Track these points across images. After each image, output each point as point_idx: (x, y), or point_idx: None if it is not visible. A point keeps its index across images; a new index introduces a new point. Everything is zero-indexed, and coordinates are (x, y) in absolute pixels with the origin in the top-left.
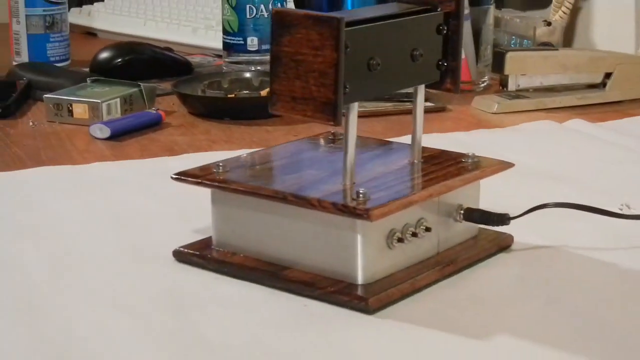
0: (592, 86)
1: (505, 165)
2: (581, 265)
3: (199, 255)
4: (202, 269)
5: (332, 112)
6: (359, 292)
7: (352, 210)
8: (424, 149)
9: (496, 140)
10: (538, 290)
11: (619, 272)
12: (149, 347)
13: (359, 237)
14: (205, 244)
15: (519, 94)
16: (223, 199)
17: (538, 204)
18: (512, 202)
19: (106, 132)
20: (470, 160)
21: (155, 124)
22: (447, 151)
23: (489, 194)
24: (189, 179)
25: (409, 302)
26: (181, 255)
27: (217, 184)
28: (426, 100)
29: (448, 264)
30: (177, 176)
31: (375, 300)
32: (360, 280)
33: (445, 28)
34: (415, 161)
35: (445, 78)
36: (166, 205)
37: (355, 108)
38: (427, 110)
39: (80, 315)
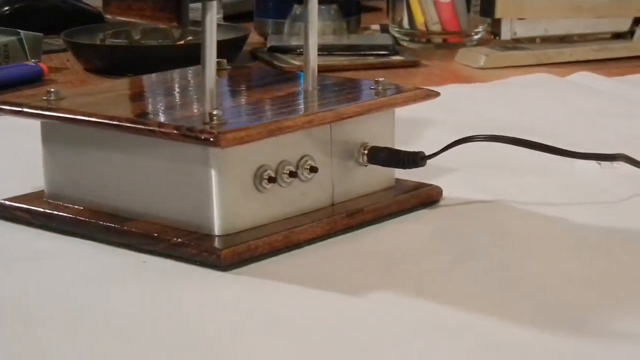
0: (616, 35)
1: (425, 93)
2: (522, 221)
3: (24, 208)
4: (28, 226)
5: (176, 10)
6: (214, 244)
7: (199, 134)
8: (327, 77)
9: (472, 95)
10: (452, 248)
11: (568, 230)
12: None
13: (213, 173)
14: (37, 196)
15: (516, 45)
16: (54, 134)
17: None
18: (457, 157)
19: None
20: (380, 87)
21: (34, 80)
22: (355, 79)
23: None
24: (6, 107)
25: (281, 259)
26: (2, 209)
27: (39, 111)
28: (397, 53)
29: (344, 216)
30: None
31: (230, 252)
32: (217, 230)
33: None
34: (310, 88)
35: None
36: (7, 159)
37: (213, 8)
38: (394, 65)
39: None
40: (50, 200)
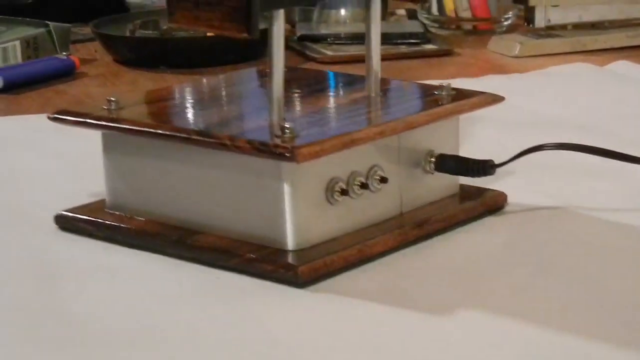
0: None
1: (492, 99)
2: (589, 230)
3: (86, 220)
4: (91, 238)
5: (245, 20)
6: (288, 259)
7: (273, 149)
8: (386, 80)
9: (512, 87)
10: (527, 260)
11: (636, 238)
12: (8, 323)
13: (286, 187)
14: (98, 206)
15: (550, 32)
16: (116, 145)
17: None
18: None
19: None
20: (445, 93)
21: (66, 74)
22: (416, 83)
23: (483, 146)
24: (69, 117)
25: (356, 274)
26: (65, 221)
27: (103, 122)
28: (428, 41)
29: (414, 226)
30: (54, 115)
31: (307, 269)
32: (290, 245)
33: None
34: (372, 94)
35: None
36: (59, 164)
37: (280, 18)
38: (427, 54)
39: None
40: (112, 211)
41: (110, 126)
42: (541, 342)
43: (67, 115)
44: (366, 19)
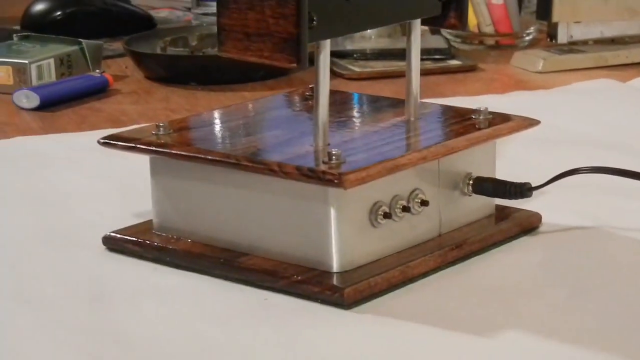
0: None
1: (528, 123)
2: (624, 250)
3: (134, 241)
4: (139, 259)
5: (295, 51)
6: (334, 281)
7: (322, 175)
8: (425, 104)
9: (538, 104)
10: (564, 280)
11: None
12: (62, 345)
13: (332, 212)
14: (145, 228)
15: (572, 47)
16: (164, 168)
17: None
18: (546, 175)
19: (34, 100)
20: (481, 117)
21: (99, 91)
22: (453, 107)
23: (516, 166)
24: (120, 142)
25: (399, 295)
26: (113, 242)
27: (154, 147)
28: (453, 57)
29: (452, 248)
30: (105, 140)
31: (352, 291)
32: (335, 267)
33: None
34: (412, 118)
35: (448, 12)
36: (103, 184)
37: (327, 47)
38: (452, 70)
39: None
40: (159, 233)
41: (160, 151)
42: None
43: (117, 141)
44: (407, 45)
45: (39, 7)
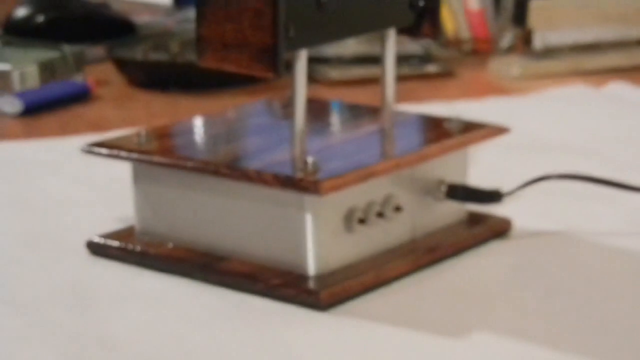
0: None
1: (498, 131)
2: (592, 255)
3: (117, 247)
4: (122, 263)
5: (272, 61)
6: (310, 284)
7: (298, 182)
8: (399, 113)
9: (512, 110)
10: (534, 282)
11: (636, 261)
12: (44, 348)
13: (308, 217)
14: (127, 233)
15: (548, 53)
16: (145, 175)
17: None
18: (517, 181)
19: (18, 105)
20: (454, 125)
21: (81, 96)
22: (427, 115)
23: (488, 172)
24: (102, 150)
25: (373, 297)
26: (96, 247)
27: (135, 155)
28: (428, 62)
29: (425, 252)
30: (88, 148)
31: (328, 293)
32: (311, 270)
33: None
34: (387, 127)
35: (422, 21)
36: (85, 190)
37: (303, 57)
38: (428, 76)
39: None
40: (142, 238)
41: (142, 159)
42: None
43: (101, 148)
44: (382, 54)
45: (21, 12)
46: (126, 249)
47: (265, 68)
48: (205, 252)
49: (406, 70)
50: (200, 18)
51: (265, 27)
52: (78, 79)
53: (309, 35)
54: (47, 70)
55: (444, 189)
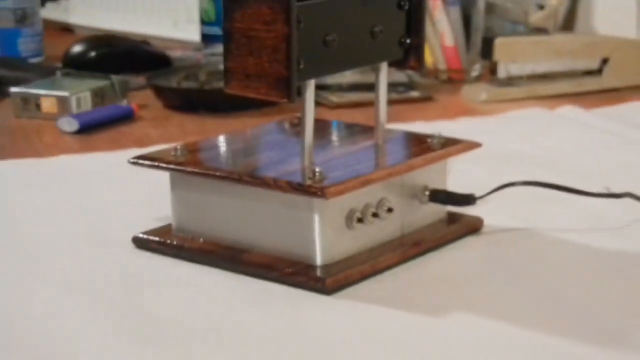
0: (588, 73)
1: (472, 145)
2: (553, 246)
3: (158, 241)
4: (162, 255)
5: (286, 89)
6: (317, 273)
7: (308, 188)
8: (390, 131)
9: (482, 128)
10: (503, 271)
11: (592, 253)
12: (101, 323)
13: (316, 217)
14: (166, 230)
15: (510, 81)
16: (181, 182)
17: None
18: (487, 186)
19: (74, 125)
20: (436, 141)
21: (127, 118)
22: (412, 132)
23: (463, 179)
24: (146, 162)
25: (369, 283)
26: (140, 242)
27: (173, 166)
28: (412, 89)
29: (412, 245)
30: (134, 160)
31: (332, 280)
32: (318, 261)
33: (407, 3)
34: (380, 142)
35: (409, 56)
36: (131, 194)
37: (311, 86)
38: (412, 100)
39: (35, 296)
40: (178, 234)
41: (178, 169)
42: (516, 336)
43: (144, 160)
44: (375, 82)
45: (77, 48)
46: (165, 243)
47: (280, 95)
48: (230, 246)
49: (394, 95)
50: (226, 53)
51: (281, 61)
52: (123, 103)
53: (316, 68)
54: (98, 96)
55: (427, 193)
